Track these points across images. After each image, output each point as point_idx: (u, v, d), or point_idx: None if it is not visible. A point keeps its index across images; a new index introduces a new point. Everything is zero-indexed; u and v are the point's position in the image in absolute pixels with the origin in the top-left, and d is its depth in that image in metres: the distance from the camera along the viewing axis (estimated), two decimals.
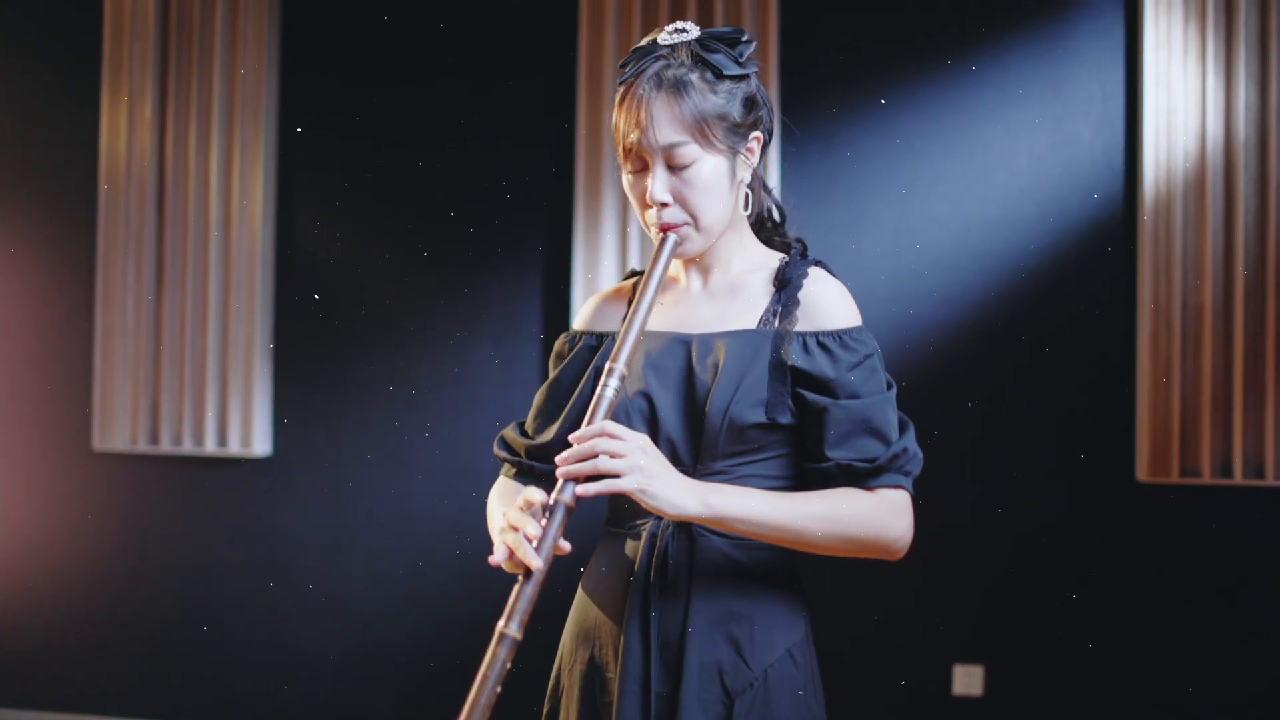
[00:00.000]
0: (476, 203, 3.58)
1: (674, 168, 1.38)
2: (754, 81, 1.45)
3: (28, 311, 3.82)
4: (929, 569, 3.33)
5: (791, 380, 1.39)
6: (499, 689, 1.14)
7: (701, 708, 1.36)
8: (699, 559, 1.40)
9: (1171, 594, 3.23)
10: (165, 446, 3.69)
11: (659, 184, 1.39)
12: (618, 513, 1.50)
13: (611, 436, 1.26)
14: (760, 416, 1.37)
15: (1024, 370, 3.31)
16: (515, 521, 1.25)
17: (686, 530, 1.41)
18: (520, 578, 1.23)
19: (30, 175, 3.84)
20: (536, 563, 1.22)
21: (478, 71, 3.60)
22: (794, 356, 1.38)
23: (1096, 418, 3.30)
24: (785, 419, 1.38)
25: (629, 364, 1.31)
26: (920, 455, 1.39)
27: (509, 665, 1.16)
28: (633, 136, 1.38)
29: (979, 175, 3.33)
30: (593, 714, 1.44)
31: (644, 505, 1.26)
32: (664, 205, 1.39)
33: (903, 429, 1.41)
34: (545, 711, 1.52)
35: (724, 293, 1.47)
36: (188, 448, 3.68)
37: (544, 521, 1.25)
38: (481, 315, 3.57)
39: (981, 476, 3.33)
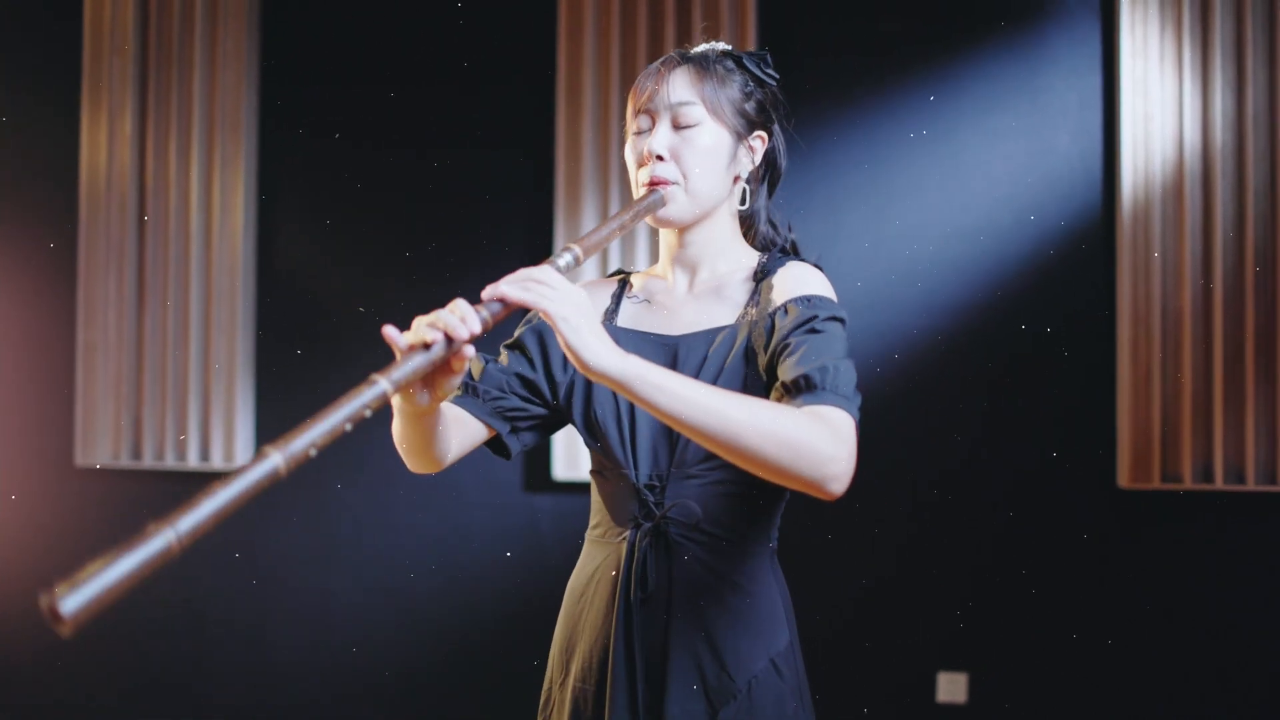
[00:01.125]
0: (458, 213, 3.58)
1: (678, 127, 1.43)
2: (771, 96, 1.51)
3: (8, 327, 3.81)
4: (912, 576, 3.34)
5: (766, 359, 1.37)
6: (349, 427, 1.04)
7: None
8: (677, 569, 1.40)
9: (1154, 599, 3.24)
10: (148, 461, 3.68)
11: (660, 137, 1.43)
12: (599, 520, 1.50)
13: (547, 280, 1.19)
14: None
15: (1004, 378, 3.31)
16: (430, 317, 1.17)
17: (664, 537, 1.41)
18: (416, 350, 1.14)
19: (10, 190, 3.83)
20: (435, 336, 1.13)
21: (457, 82, 3.60)
22: (765, 335, 1.37)
23: (1077, 424, 3.31)
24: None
25: (587, 252, 1.28)
26: (853, 378, 1.29)
27: (368, 414, 1.06)
28: (646, 95, 1.44)
29: (957, 184, 3.34)
30: None
31: (563, 341, 1.17)
32: (659, 158, 1.42)
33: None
34: None
35: (708, 293, 1.48)
36: (170, 463, 3.67)
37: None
38: None
39: (964, 484, 3.33)
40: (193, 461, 3.65)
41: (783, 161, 1.56)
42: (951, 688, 3.31)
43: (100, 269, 3.70)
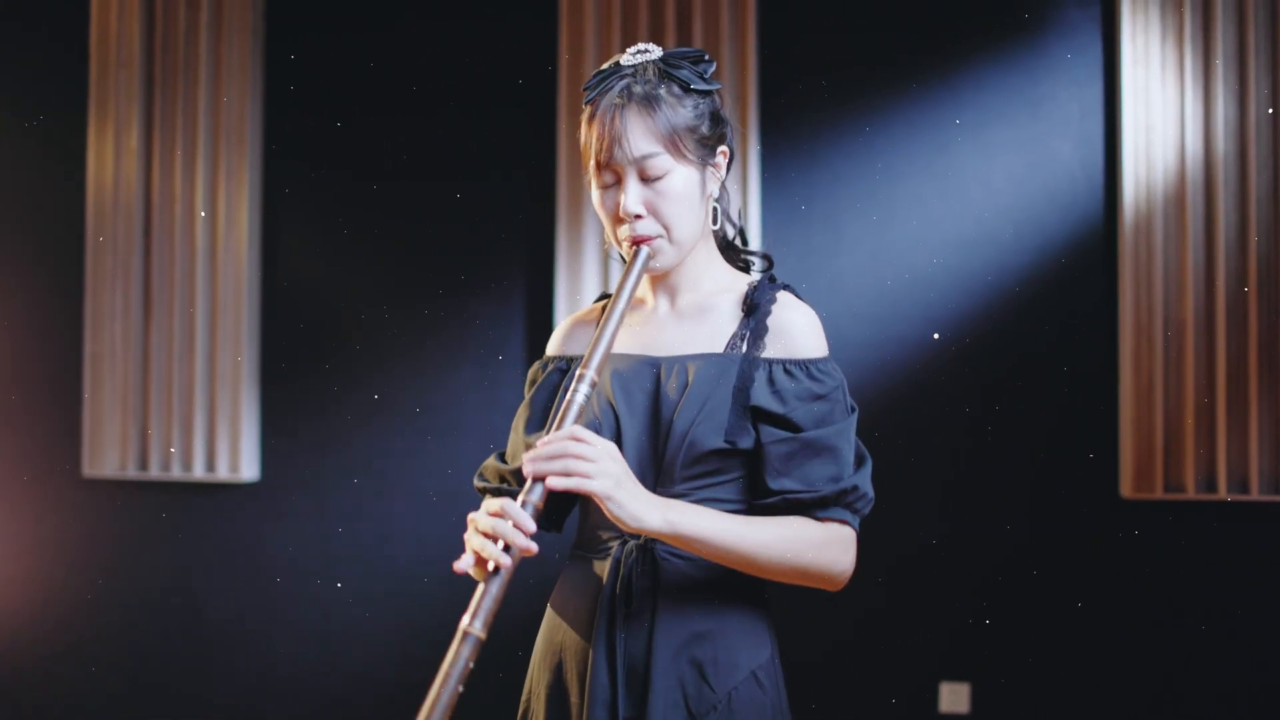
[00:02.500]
0: (460, 228, 3.59)
1: (647, 179, 1.40)
2: (718, 99, 1.48)
3: (17, 339, 3.84)
4: (914, 586, 3.33)
5: (753, 413, 1.39)
6: (461, 689, 1.12)
7: None
8: (662, 582, 1.41)
9: (1157, 610, 3.23)
10: (154, 472, 3.71)
11: (632, 196, 1.40)
12: (585, 535, 1.51)
13: (581, 440, 1.26)
14: (720, 442, 1.38)
15: (1006, 388, 3.31)
16: (484, 526, 1.25)
17: (650, 553, 1.41)
18: (487, 578, 1.22)
19: (17, 204, 3.86)
20: (505, 560, 1.21)
21: (460, 99, 3.61)
22: (759, 385, 1.39)
23: (1080, 434, 3.30)
24: (747, 444, 1.39)
25: (599, 372, 1.32)
26: (871, 496, 1.41)
27: (471, 665, 1.13)
28: (605, 151, 1.40)
29: (957, 195, 3.33)
30: None
31: (607, 512, 1.27)
32: (638, 217, 1.40)
33: (859, 464, 1.41)
34: None
35: (692, 314, 1.48)
36: (176, 473, 3.70)
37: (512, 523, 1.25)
38: (465, 340, 3.59)
39: (965, 494, 3.33)
40: (199, 472, 3.68)
41: (734, 146, 1.53)
42: (954, 698, 3.30)
43: (107, 281, 3.73)
